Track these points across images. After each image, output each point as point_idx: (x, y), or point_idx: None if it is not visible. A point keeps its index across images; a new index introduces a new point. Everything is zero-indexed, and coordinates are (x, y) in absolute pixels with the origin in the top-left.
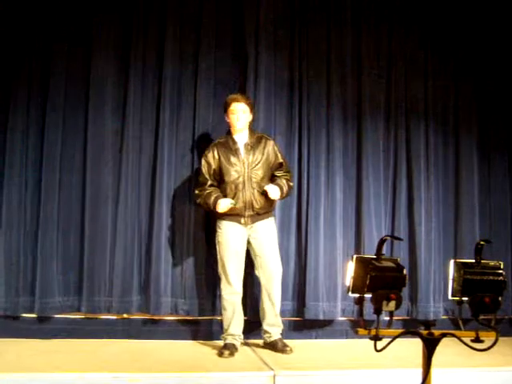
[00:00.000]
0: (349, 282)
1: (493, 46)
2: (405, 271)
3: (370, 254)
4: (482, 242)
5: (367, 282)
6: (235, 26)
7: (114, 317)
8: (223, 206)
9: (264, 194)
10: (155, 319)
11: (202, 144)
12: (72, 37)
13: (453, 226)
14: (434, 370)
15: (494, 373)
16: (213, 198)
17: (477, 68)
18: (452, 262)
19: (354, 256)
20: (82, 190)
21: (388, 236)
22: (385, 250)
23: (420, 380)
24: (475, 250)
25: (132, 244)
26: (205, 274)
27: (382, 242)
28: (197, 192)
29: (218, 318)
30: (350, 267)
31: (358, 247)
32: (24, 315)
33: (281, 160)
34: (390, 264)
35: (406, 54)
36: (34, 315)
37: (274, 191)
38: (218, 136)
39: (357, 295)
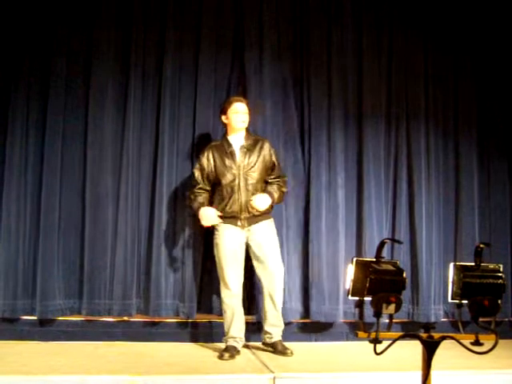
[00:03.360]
0: (349, 285)
1: (494, 49)
2: (404, 274)
3: (370, 257)
4: (481, 246)
5: (367, 285)
6: (236, 28)
7: (114, 319)
8: (208, 220)
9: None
10: (155, 321)
11: (201, 147)
12: (72, 41)
13: (453, 229)
14: (433, 373)
15: (494, 375)
16: (196, 204)
17: (478, 71)
18: (452, 265)
19: (354, 259)
20: (83, 192)
21: (388, 239)
22: (386, 252)
23: (420, 382)
24: (475, 253)
25: (132, 247)
26: (205, 276)
27: (381, 244)
28: (188, 194)
29: (219, 320)
30: (350, 270)
31: (359, 250)
32: (24, 317)
33: (274, 160)
34: (390, 267)
35: (406, 56)
36: (34, 317)
37: (260, 203)
38: (217, 139)
39: (357, 298)
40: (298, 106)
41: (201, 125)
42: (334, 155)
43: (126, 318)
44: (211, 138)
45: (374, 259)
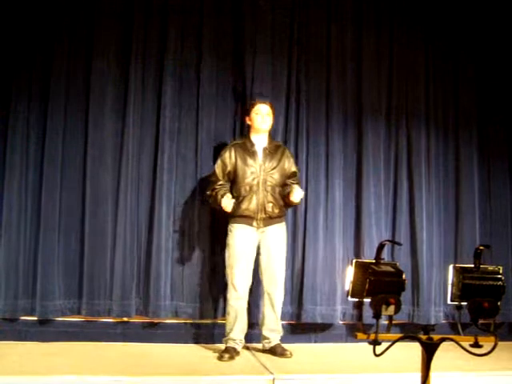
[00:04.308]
0: (348, 286)
1: (495, 50)
2: (404, 275)
3: (370, 259)
4: (481, 247)
5: (366, 287)
6: (235, 28)
7: (114, 320)
8: (225, 203)
9: (285, 195)
10: (155, 322)
11: (203, 146)
12: (72, 40)
13: (453, 230)
14: (432, 375)
15: (493, 377)
16: (219, 197)
17: (478, 71)
18: (451, 266)
19: (354, 260)
20: (83, 192)
21: (387, 240)
22: (386, 254)
23: None
24: (474, 254)
25: (132, 247)
26: (205, 276)
27: (381, 246)
28: (208, 193)
29: (219, 321)
30: (350, 272)
31: (358, 251)
32: (24, 318)
33: (295, 169)
34: (389, 268)
35: (407, 57)
36: (34, 318)
37: (299, 193)
38: (219, 138)
39: (356, 299)
40: (295, 106)
41: (202, 123)
42: (332, 156)
43: (125, 319)
44: (212, 137)
45: (374, 261)
